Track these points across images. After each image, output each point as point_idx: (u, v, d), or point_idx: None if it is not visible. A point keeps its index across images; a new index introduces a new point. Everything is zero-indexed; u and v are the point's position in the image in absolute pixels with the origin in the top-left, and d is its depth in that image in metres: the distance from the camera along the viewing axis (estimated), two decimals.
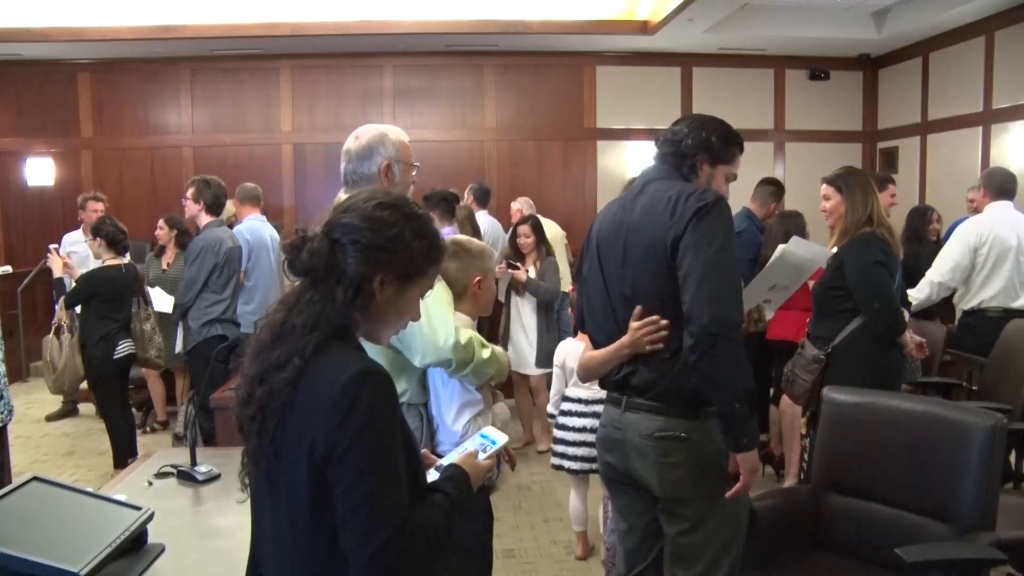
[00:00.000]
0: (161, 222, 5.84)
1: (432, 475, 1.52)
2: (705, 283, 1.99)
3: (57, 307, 4.92)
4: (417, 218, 1.41)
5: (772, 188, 5.19)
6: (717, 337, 1.97)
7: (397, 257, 1.36)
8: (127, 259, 4.99)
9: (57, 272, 5.17)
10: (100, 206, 6.00)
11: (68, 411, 6.39)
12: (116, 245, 4.80)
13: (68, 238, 6.38)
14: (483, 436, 1.61)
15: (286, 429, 1.31)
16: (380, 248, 1.35)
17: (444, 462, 1.53)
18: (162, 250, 5.89)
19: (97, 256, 4.94)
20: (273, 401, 1.31)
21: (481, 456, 1.55)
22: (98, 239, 4.79)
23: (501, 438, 1.61)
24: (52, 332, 4.85)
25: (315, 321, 1.32)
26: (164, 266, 5.78)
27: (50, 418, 6.29)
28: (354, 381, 1.27)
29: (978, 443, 2.38)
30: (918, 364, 3.87)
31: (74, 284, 4.88)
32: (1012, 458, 3.70)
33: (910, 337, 3.28)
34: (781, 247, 3.67)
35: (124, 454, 4.67)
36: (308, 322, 1.32)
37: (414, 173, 2.32)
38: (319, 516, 1.29)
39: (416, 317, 1.46)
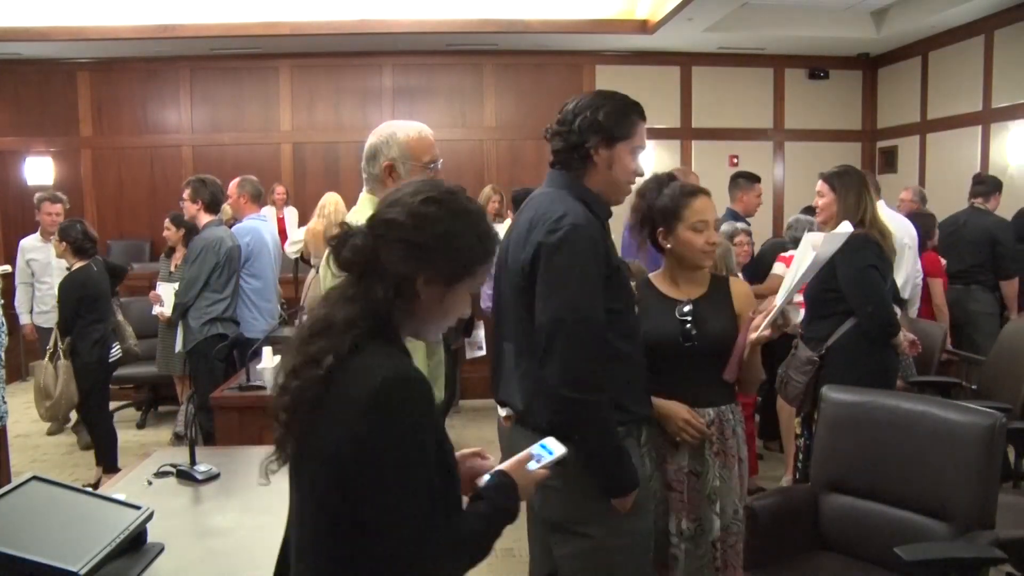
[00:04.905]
0: (167, 222, 5.62)
1: (483, 480, 1.44)
2: (555, 342, 1.81)
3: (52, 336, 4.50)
4: (466, 214, 1.32)
5: (740, 180, 5.20)
6: (573, 401, 1.83)
7: (442, 256, 1.28)
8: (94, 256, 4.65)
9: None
10: (58, 208, 5.48)
11: (63, 421, 6.13)
12: (82, 254, 4.46)
13: (25, 243, 5.81)
14: (542, 446, 1.51)
15: (314, 426, 1.26)
16: (424, 247, 1.27)
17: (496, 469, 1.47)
18: (171, 251, 5.71)
19: (60, 256, 4.64)
20: (304, 395, 1.26)
21: (535, 465, 1.46)
22: (64, 243, 4.46)
23: (559, 449, 1.51)
24: (47, 358, 4.45)
25: (355, 318, 1.27)
26: (172, 267, 5.61)
27: (51, 433, 5.95)
28: (388, 386, 1.22)
29: (977, 442, 2.38)
30: (911, 362, 3.87)
31: (57, 303, 4.52)
32: (1012, 457, 3.71)
33: (903, 335, 3.28)
34: (811, 251, 3.53)
35: (113, 460, 4.61)
36: (348, 318, 1.27)
37: (432, 169, 2.25)
38: (336, 514, 1.25)
39: (466, 315, 1.39)
